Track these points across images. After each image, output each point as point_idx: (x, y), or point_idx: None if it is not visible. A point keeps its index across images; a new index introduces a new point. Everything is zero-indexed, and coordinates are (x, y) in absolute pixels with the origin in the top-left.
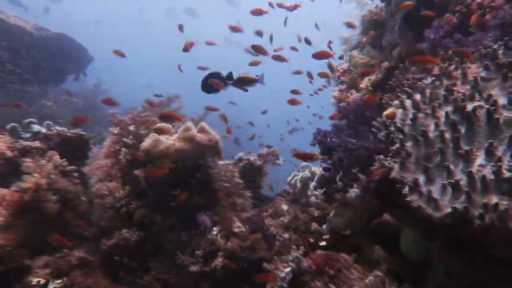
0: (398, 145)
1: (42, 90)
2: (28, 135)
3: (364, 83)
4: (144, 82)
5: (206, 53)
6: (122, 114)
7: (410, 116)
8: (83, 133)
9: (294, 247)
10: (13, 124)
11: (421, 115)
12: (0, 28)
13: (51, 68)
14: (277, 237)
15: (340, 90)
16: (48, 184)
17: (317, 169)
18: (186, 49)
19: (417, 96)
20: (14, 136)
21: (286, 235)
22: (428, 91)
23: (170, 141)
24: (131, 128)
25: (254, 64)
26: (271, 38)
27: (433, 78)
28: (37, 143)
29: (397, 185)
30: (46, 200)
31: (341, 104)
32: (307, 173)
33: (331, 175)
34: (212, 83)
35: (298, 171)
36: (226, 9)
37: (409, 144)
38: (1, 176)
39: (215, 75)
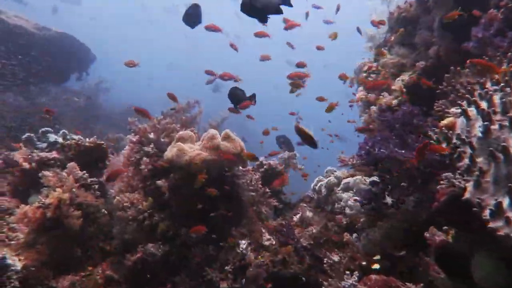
0: (467, 161)
1: (43, 89)
2: (43, 145)
3: (397, 85)
4: (146, 82)
5: (209, 52)
6: (125, 114)
7: (480, 127)
8: (101, 142)
9: (345, 271)
10: (28, 134)
11: (494, 127)
12: (3, 26)
13: (53, 68)
14: (308, 249)
15: (365, 92)
16: (71, 199)
17: (342, 174)
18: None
19: (483, 104)
20: (29, 146)
21: (335, 258)
22: (496, 98)
23: (195, 150)
24: (151, 136)
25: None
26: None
27: (498, 83)
28: (54, 154)
29: (473, 208)
30: (69, 216)
31: (378, 109)
32: (332, 178)
33: (380, 189)
34: (240, 99)
35: (322, 176)
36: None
37: (481, 160)
38: (18, 189)
39: (240, 91)
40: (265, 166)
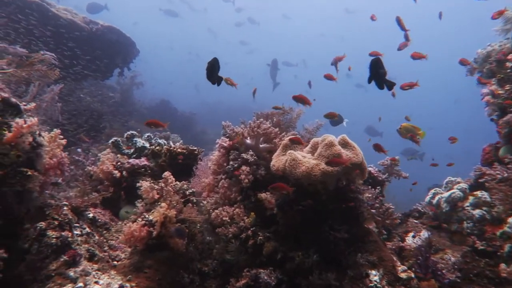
0: None
1: (80, 85)
2: (130, 150)
3: None
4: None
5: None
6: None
7: None
8: (194, 148)
9: None
10: (115, 138)
11: None
12: (55, 23)
13: (99, 62)
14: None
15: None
16: (176, 216)
17: (464, 184)
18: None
19: None
20: (116, 152)
21: None
22: None
23: (311, 159)
24: (248, 141)
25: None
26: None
27: None
28: (144, 161)
29: None
30: (174, 235)
31: None
32: (456, 192)
33: None
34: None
35: (439, 187)
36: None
37: None
38: (107, 199)
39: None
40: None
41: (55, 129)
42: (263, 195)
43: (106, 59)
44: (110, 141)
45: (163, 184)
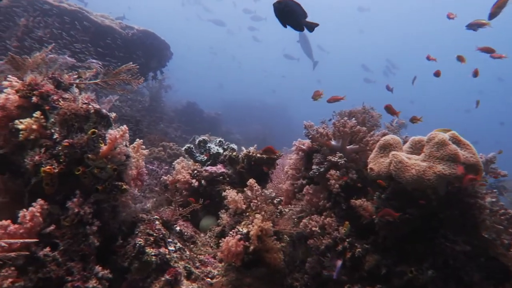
0: None
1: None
2: (204, 157)
3: None
4: (215, 83)
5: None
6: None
7: None
8: (275, 154)
9: None
10: (188, 145)
11: None
12: (96, 30)
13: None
14: None
15: None
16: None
17: None
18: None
19: None
20: (190, 158)
21: None
22: None
23: (418, 161)
24: (334, 143)
25: None
26: None
27: None
28: (221, 168)
29: None
30: (270, 249)
31: None
32: None
33: None
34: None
35: None
36: None
37: None
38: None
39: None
40: None
41: (137, 139)
42: (357, 202)
43: (141, 63)
44: (183, 148)
45: (249, 193)
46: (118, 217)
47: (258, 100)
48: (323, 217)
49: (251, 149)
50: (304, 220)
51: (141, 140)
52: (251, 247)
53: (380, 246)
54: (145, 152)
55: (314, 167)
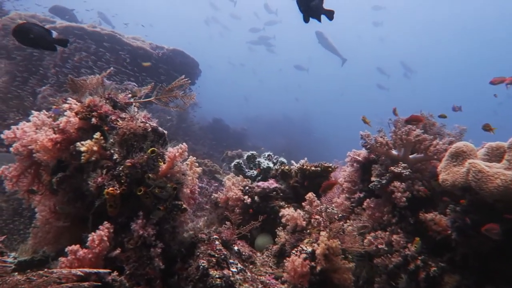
0: None
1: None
2: (254, 171)
3: None
4: (237, 99)
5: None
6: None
7: None
8: (328, 164)
9: None
10: (237, 161)
11: None
12: (128, 52)
13: (166, 86)
14: None
15: None
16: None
17: None
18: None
19: None
20: (239, 173)
21: None
22: None
23: (505, 171)
24: (394, 152)
25: None
26: None
27: None
28: (273, 183)
29: None
30: (338, 269)
31: None
32: None
33: None
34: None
35: None
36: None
37: None
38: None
39: None
40: None
41: (191, 156)
42: (428, 215)
43: (170, 82)
44: (232, 164)
45: (309, 208)
46: (178, 237)
47: (280, 113)
48: (387, 233)
49: (302, 162)
50: (368, 237)
51: (194, 158)
52: (318, 267)
53: (459, 264)
54: (199, 169)
55: (374, 179)
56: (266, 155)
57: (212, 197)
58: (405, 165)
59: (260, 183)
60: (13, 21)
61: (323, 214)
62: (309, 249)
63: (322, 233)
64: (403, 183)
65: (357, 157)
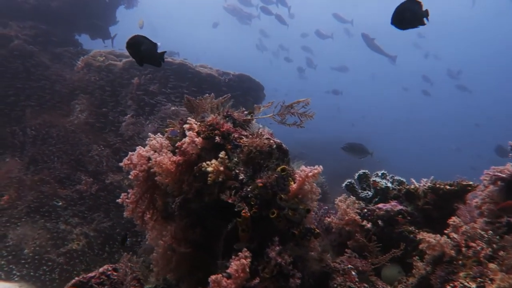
0: None
1: None
2: (368, 192)
3: None
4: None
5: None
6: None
7: None
8: (467, 182)
9: None
10: (349, 181)
11: None
12: (198, 80)
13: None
14: None
15: None
16: None
17: None
18: None
19: None
20: (351, 193)
21: None
22: None
23: None
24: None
25: None
26: None
27: None
28: (397, 205)
29: None
30: None
31: None
32: None
33: None
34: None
35: None
36: None
37: None
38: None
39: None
40: None
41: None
42: None
43: (239, 106)
44: (343, 185)
45: (456, 236)
46: (309, 266)
47: (332, 136)
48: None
49: (428, 180)
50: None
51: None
52: None
53: None
54: (319, 190)
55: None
56: (381, 174)
57: (326, 221)
58: None
59: (381, 205)
60: (94, 59)
61: (480, 242)
62: (474, 286)
63: (492, 265)
64: None
65: (499, 174)
